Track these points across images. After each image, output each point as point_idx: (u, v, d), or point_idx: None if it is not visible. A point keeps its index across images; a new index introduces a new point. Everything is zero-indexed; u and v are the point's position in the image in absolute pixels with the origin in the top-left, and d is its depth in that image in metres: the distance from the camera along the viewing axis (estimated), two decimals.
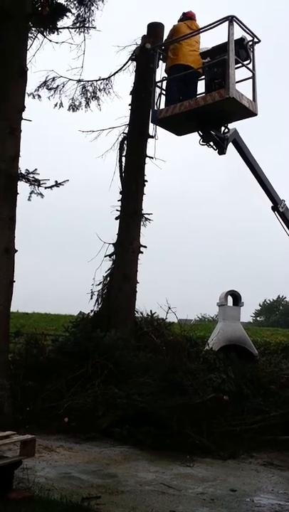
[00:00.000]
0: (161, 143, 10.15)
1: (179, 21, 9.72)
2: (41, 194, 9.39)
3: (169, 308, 9.89)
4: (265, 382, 8.18)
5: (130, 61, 10.77)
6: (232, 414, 7.23)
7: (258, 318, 56.33)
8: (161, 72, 9.62)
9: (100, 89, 11.51)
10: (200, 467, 5.89)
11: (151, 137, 10.09)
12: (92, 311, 10.21)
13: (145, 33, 10.55)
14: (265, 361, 10.17)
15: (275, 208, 10.60)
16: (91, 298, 10.21)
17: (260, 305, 57.55)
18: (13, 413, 7.03)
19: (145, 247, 10.19)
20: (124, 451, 6.33)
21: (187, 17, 9.66)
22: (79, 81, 11.34)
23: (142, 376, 7.67)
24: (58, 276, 68.17)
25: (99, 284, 10.25)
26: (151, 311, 10.44)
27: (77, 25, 10.50)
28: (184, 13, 9.75)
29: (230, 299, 10.73)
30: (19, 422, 6.70)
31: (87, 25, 10.56)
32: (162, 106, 9.39)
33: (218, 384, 7.54)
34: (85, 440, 6.69)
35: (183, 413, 6.70)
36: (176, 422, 6.53)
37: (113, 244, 10.26)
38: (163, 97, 9.48)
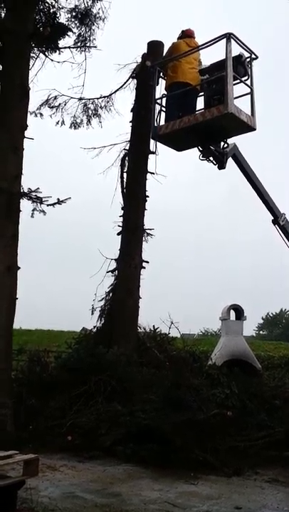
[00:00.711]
0: (163, 158, 10.27)
1: (178, 39, 9.89)
2: (43, 211, 9.46)
3: (172, 323, 9.90)
4: (269, 396, 8.13)
5: (131, 79, 10.92)
6: (236, 430, 7.17)
7: (261, 332, 55.97)
8: (161, 89, 9.78)
9: (101, 107, 11.63)
10: (204, 485, 5.84)
11: (152, 153, 10.21)
12: (94, 326, 10.22)
13: (145, 51, 10.69)
14: (268, 375, 10.11)
15: (275, 222, 10.65)
16: (92, 313, 10.24)
17: (262, 318, 57.25)
18: (16, 431, 6.99)
19: (147, 262, 10.23)
20: (128, 470, 6.28)
21: (186, 35, 9.81)
22: (80, 99, 11.47)
23: (146, 392, 7.64)
24: (61, 292, 68.00)
25: (101, 300, 10.28)
26: (154, 326, 10.45)
27: (79, 44, 10.63)
28: (182, 31, 9.91)
29: (232, 313, 10.73)
30: (22, 441, 6.65)
31: (88, 44, 10.69)
32: (162, 122, 9.52)
33: (222, 399, 7.50)
34: (89, 458, 6.64)
35: (186, 429, 6.65)
36: (179, 438, 6.49)
37: (115, 259, 10.30)
38: (163, 114, 9.61)
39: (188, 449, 6.47)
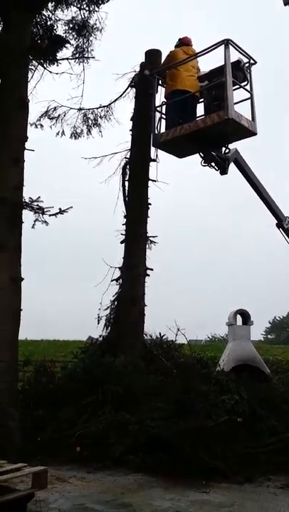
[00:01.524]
0: (168, 165, 10.27)
1: (175, 47, 9.92)
2: (46, 222, 9.43)
3: (178, 329, 9.86)
4: (279, 402, 8.02)
5: (129, 88, 10.95)
6: (246, 437, 7.08)
7: (269, 336, 55.73)
8: (160, 97, 9.82)
9: (100, 117, 11.66)
10: (216, 493, 5.76)
11: (153, 161, 10.23)
12: (100, 335, 10.17)
13: (143, 60, 10.74)
14: (277, 380, 10.00)
15: (279, 225, 10.64)
16: (98, 323, 10.18)
17: (269, 322, 57.04)
18: (24, 443, 6.92)
19: (151, 269, 10.18)
20: (138, 479, 6.21)
21: (183, 43, 9.85)
22: (80, 109, 11.51)
23: (154, 400, 7.55)
24: (66, 302, 68.08)
25: (106, 309, 10.22)
26: (160, 333, 10.37)
27: (77, 55, 10.70)
28: (179, 39, 9.95)
29: (239, 318, 10.66)
30: (30, 453, 6.58)
31: (86, 55, 10.76)
32: (163, 130, 9.53)
33: (231, 406, 7.40)
34: (98, 469, 6.57)
35: (196, 437, 6.57)
36: (189, 446, 6.41)
37: (119, 268, 10.26)
38: (163, 122, 9.64)
39: (199, 456, 6.39)
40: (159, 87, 9.86)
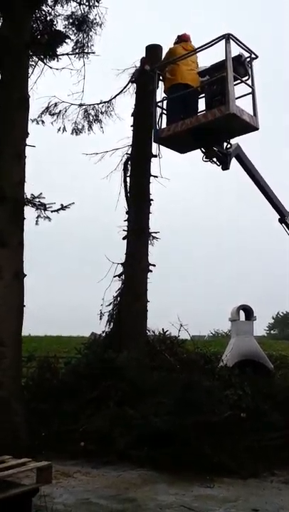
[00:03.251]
0: (170, 160, 10.23)
1: (174, 44, 9.88)
2: (48, 218, 9.44)
3: (181, 325, 9.88)
4: (282, 397, 8.01)
5: (130, 83, 10.93)
6: (250, 432, 7.08)
7: (272, 332, 55.76)
8: (161, 93, 9.78)
9: (101, 112, 11.63)
10: (221, 487, 5.77)
11: (155, 156, 10.21)
12: (103, 331, 10.18)
13: (144, 56, 10.70)
14: (281, 375, 10.01)
15: (282, 220, 10.59)
16: (100, 318, 10.21)
17: (273, 318, 57.03)
18: (29, 439, 6.93)
19: (154, 265, 10.19)
20: (143, 474, 6.22)
21: (182, 40, 9.79)
22: (81, 105, 11.48)
23: (157, 396, 7.56)
24: (69, 298, 68.13)
25: (109, 305, 10.24)
26: (163, 329, 10.39)
27: (77, 51, 10.65)
28: (178, 36, 9.88)
29: (242, 313, 10.65)
30: (35, 448, 6.60)
31: (86, 50, 10.70)
32: (164, 125, 9.50)
33: (235, 401, 7.41)
34: (102, 464, 6.58)
35: (200, 432, 6.58)
36: (194, 442, 6.42)
37: (121, 264, 10.26)
38: (164, 117, 9.60)
39: (203, 451, 6.39)
40: (160, 82, 9.81)
